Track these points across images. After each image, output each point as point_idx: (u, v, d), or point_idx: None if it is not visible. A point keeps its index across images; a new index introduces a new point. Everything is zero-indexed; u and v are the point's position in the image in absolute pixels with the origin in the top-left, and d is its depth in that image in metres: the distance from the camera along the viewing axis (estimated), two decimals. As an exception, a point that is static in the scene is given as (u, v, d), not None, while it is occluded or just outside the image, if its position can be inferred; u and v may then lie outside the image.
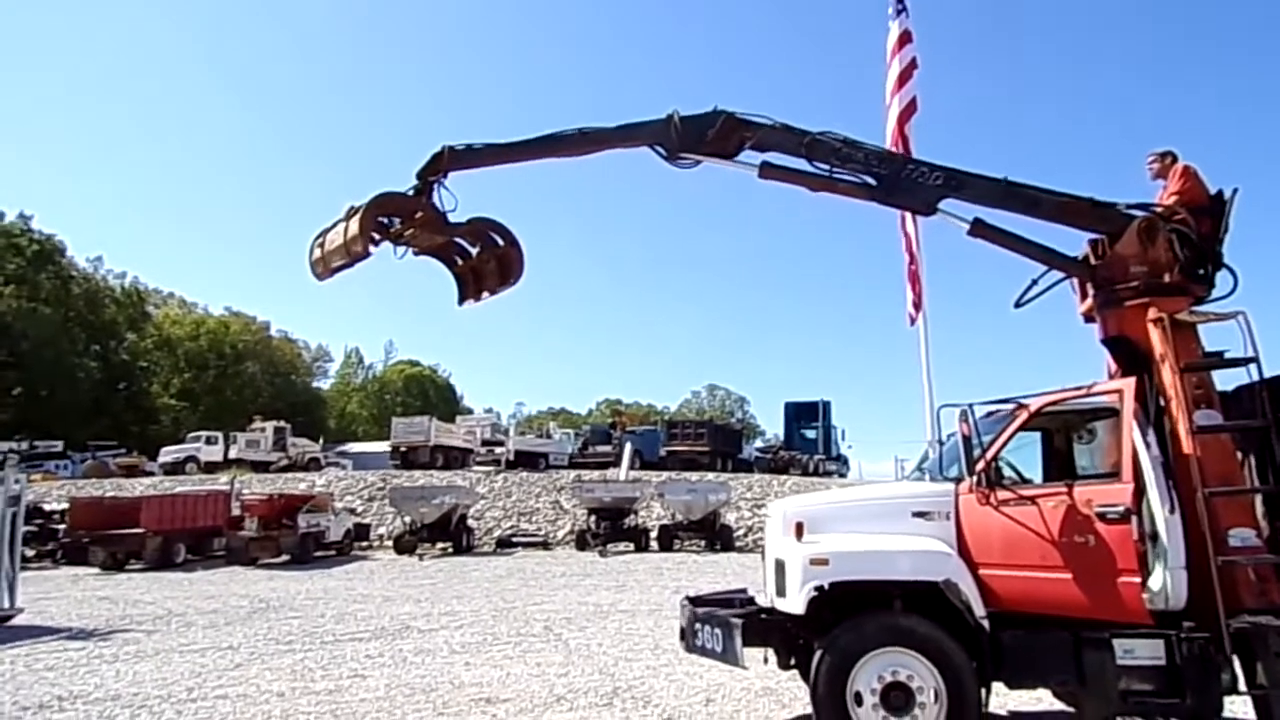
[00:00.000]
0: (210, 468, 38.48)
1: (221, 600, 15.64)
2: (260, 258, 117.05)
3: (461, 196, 7.24)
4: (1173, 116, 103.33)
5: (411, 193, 7.18)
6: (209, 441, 41.06)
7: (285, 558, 22.87)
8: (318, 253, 7.40)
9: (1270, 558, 5.35)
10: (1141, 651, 5.33)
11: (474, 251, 7.93)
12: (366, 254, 7.05)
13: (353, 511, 28.19)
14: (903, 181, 6.62)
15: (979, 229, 6.49)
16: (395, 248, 7.42)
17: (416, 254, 7.68)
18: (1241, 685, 5.37)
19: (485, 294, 8.00)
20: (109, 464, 40.87)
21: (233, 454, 39.82)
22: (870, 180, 6.71)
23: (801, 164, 6.77)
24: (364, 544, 26.82)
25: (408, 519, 25.49)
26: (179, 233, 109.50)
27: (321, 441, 47.54)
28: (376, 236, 7.12)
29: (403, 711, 7.41)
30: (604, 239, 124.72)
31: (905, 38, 14.28)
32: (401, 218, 7.29)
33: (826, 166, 6.70)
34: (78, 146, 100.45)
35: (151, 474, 38.66)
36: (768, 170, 6.84)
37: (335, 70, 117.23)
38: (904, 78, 14.13)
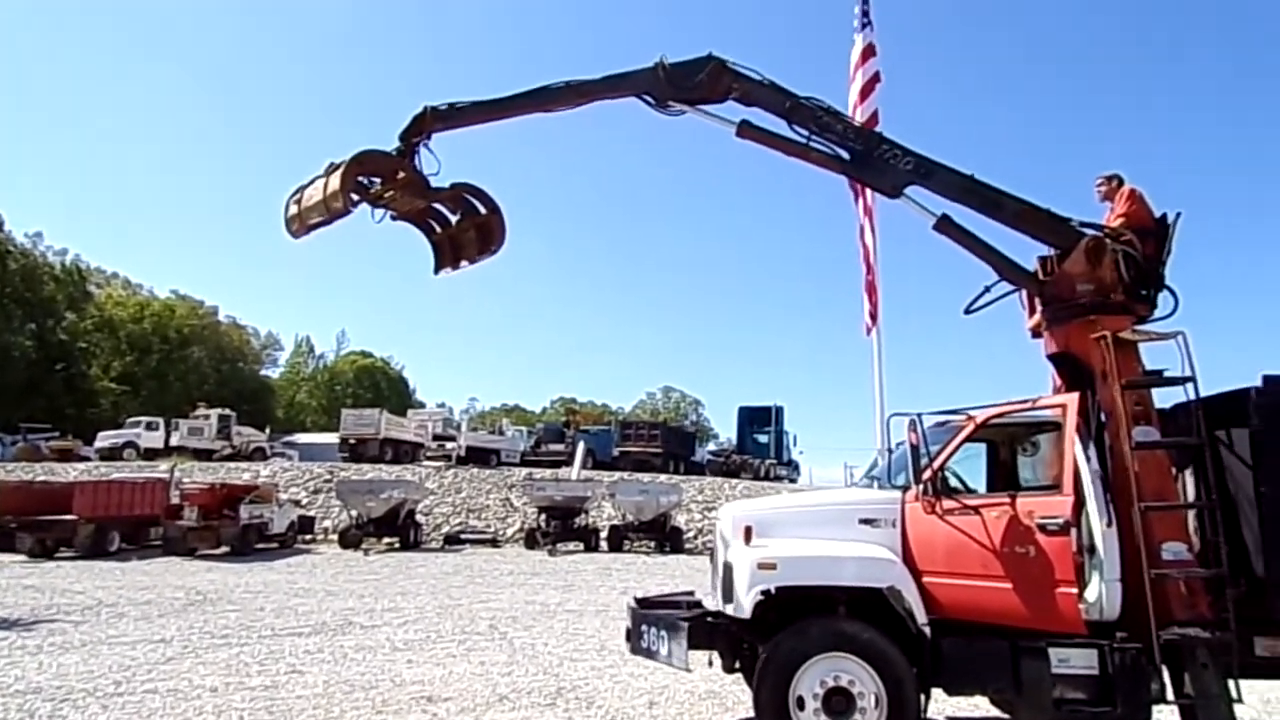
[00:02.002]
0: (150, 454, 37.33)
1: (156, 591, 15.21)
2: (210, 241, 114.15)
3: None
4: (1129, 130, 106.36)
5: (395, 154, 7.07)
6: (149, 427, 39.82)
7: (225, 549, 22.34)
8: (294, 209, 7.24)
9: (1200, 571, 5.52)
10: (1076, 661, 5.46)
11: (453, 219, 7.83)
12: (347, 211, 6.93)
13: (297, 503, 27.66)
14: (874, 160, 6.68)
15: (945, 225, 6.56)
16: (373, 210, 7.30)
17: (394, 218, 7.58)
18: (1169, 695, 5.52)
19: (464, 263, 7.91)
20: (41, 447, 39.38)
21: (174, 441, 38.68)
22: (844, 154, 6.77)
23: (779, 128, 6.79)
24: (308, 537, 26.33)
25: (354, 513, 25.11)
26: (125, 213, 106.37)
27: (268, 431, 46.44)
28: (355, 196, 7.00)
29: (341, 709, 7.28)
30: (564, 237, 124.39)
31: (869, 51, 14.42)
32: (383, 177, 7.19)
33: (805, 133, 6.74)
34: (16, 121, 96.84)
35: (87, 459, 37.41)
36: (746, 129, 6.84)
37: (285, 45, 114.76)
38: (866, 91, 14.27)
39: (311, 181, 7.14)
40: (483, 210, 7.76)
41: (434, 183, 7.26)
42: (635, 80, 6.97)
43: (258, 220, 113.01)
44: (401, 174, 7.12)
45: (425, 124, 6.98)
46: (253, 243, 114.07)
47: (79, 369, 58.32)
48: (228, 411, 41.62)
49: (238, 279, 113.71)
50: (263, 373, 78.32)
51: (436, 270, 8.03)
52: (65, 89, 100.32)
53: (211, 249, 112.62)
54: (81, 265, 65.79)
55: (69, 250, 65.43)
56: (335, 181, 6.80)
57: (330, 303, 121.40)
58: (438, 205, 7.73)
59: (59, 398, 54.20)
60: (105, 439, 39.12)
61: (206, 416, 40.31)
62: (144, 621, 11.89)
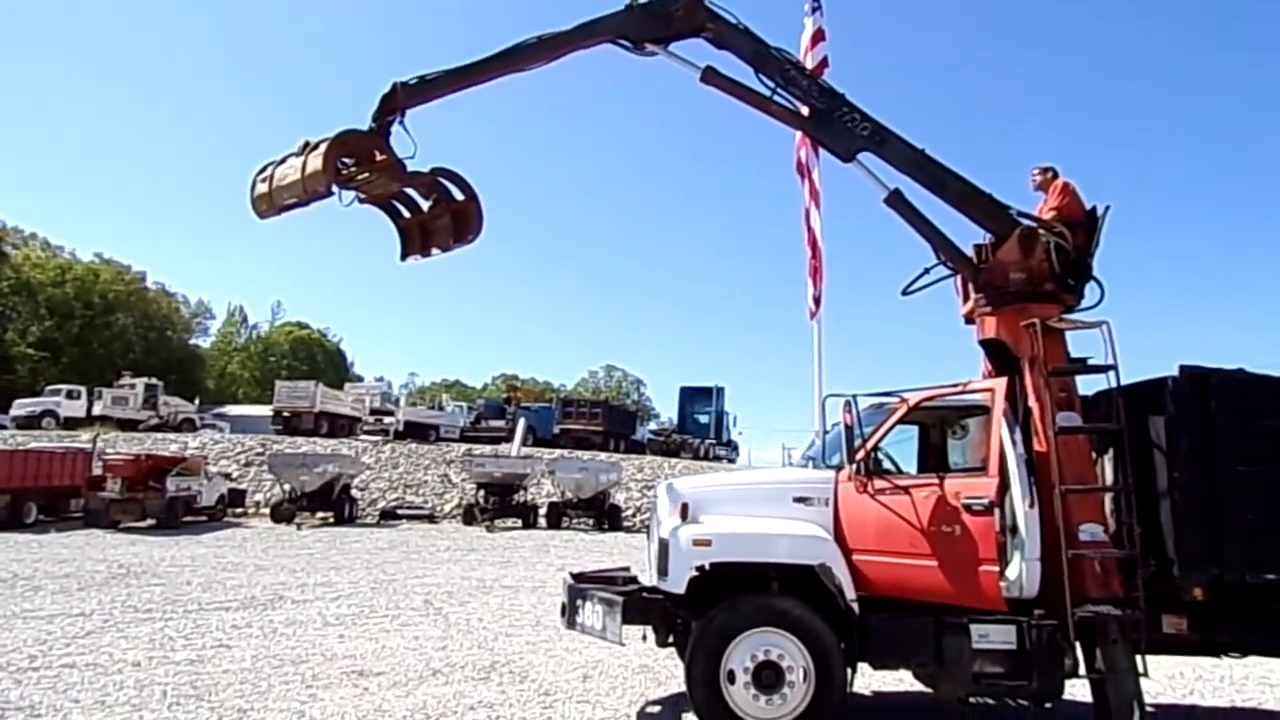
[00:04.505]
0: (70, 424, 35.92)
1: (75, 564, 14.69)
2: (139, 204, 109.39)
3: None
4: (1071, 116, 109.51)
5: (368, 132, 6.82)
6: (70, 396, 38.26)
7: (150, 522, 21.65)
8: (262, 188, 6.90)
9: (1114, 552, 5.75)
10: (995, 636, 5.66)
11: (425, 205, 7.59)
12: (329, 193, 6.68)
13: (228, 476, 26.98)
14: (834, 121, 6.70)
15: (896, 200, 6.60)
16: (342, 192, 7.01)
17: (362, 202, 7.30)
18: (1082, 670, 5.77)
19: (436, 250, 7.67)
20: (-49, 415, 37.62)
21: (97, 410, 37.22)
22: (804, 110, 6.81)
23: (742, 79, 6.79)
24: (238, 511, 25.71)
25: (287, 486, 24.60)
26: (46, 172, 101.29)
27: (198, 402, 45.01)
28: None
29: (269, 683, 7.15)
30: (508, 212, 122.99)
31: (819, 35, 14.47)
32: (360, 160, 6.92)
33: (770, 84, 6.74)
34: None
35: (2, 428, 35.87)
36: (711, 75, 6.80)
37: (209, 6, 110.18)
38: (815, 75, 14.35)
39: (284, 159, 6.81)
40: (459, 196, 7.51)
41: (410, 166, 7.01)
42: (609, 24, 6.85)
43: (189, 183, 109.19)
44: (380, 156, 6.87)
45: (397, 101, 6.73)
46: (184, 207, 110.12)
47: (-8, 333, 55.69)
48: (154, 381, 40.17)
49: (167, 244, 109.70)
50: (192, 342, 75.77)
51: (404, 257, 7.76)
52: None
53: (140, 212, 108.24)
54: (-3, 224, 62.61)
55: (-17, 208, 62.15)
56: (317, 162, 6.48)
57: (266, 271, 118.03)
58: (409, 190, 7.48)
59: (-29, 363, 51.69)
60: (22, 407, 37.50)
61: (132, 386, 38.85)
62: (62, 595, 11.48)
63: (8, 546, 17.05)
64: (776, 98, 6.77)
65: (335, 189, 6.81)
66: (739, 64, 6.88)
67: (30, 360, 55.82)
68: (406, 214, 7.68)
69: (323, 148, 6.55)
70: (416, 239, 7.71)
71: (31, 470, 21.69)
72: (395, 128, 6.88)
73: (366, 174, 7.00)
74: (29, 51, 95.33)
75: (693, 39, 6.92)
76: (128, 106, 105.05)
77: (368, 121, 6.83)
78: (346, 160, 6.91)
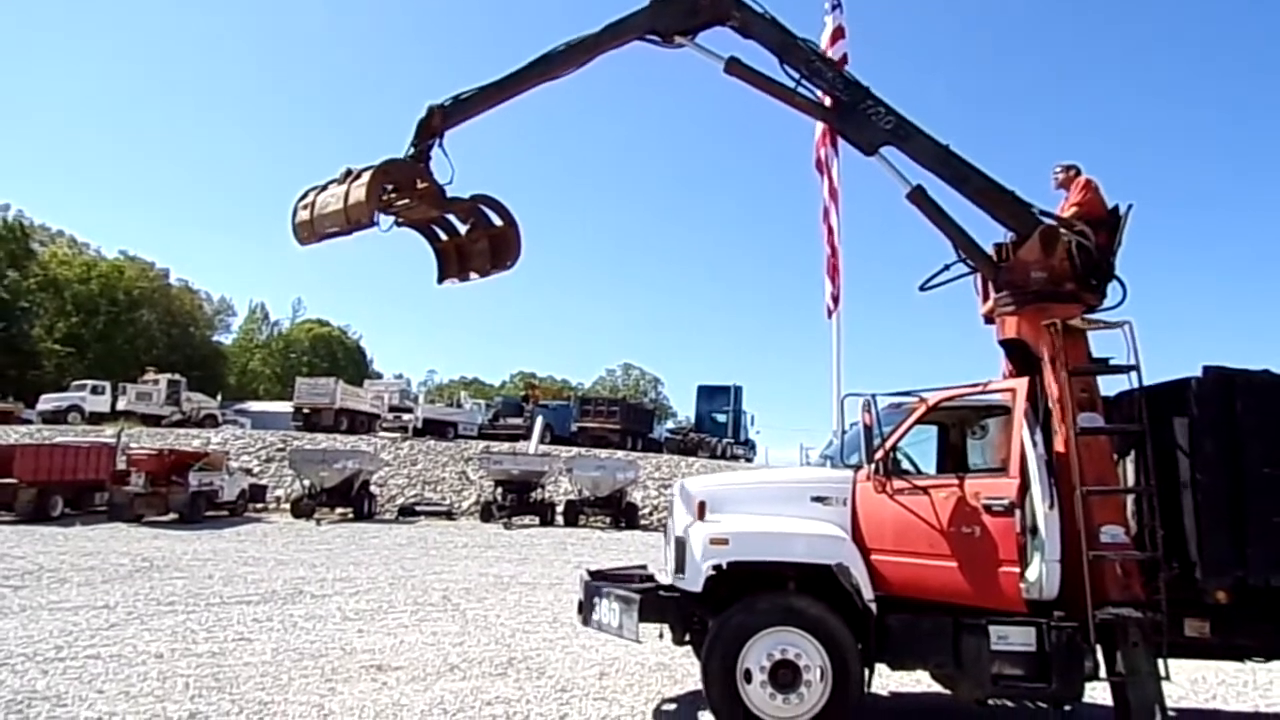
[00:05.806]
0: (95, 419, 36.46)
1: (100, 557, 14.90)
2: (162, 201, 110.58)
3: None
4: (1088, 117, 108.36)
5: (412, 161, 6.82)
6: (95, 391, 38.84)
7: (173, 516, 21.92)
8: (304, 215, 6.85)
9: (1135, 554, 5.70)
10: (1015, 638, 5.62)
11: (463, 229, 7.57)
12: (373, 224, 6.63)
13: (249, 472, 27.24)
14: (857, 114, 6.66)
15: (917, 196, 6.55)
16: (381, 217, 6.95)
17: (399, 224, 7.29)
18: (1102, 673, 5.71)
19: (473, 274, 7.64)
20: (-20, 409, 38.20)
21: (121, 405, 37.78)
22: (828, 102, 6.79)
23: (766, 70, 6.78)
24: (259, 506, 25.96)
25: (307, 482, 24.82)
26: (71, 170, 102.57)
27: (219, 398, 45.49)
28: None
29: (289, 676, 7.22)
30: (527, 212, 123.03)
31: (839, 33, 14.40)
32: (401, 187, 6.90)
33: (795, 76, 6.73)
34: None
35: (29, 422, 36.40)
36: (735, 66, 6.78)
37: (240, 10, 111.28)
38: (838, 67, 14.27)
39: (325, 186, 6.79)
40: (498, 222, 7.49)
41: (450, 191, 7.01)
42: (638, 20, 6.85)
43: (212, 181, 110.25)
44: (421, 184, 6.87)
45: (434, 124, 6.72)
46: (206, 205, 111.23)
47: (20, 329, 56.46)
48: (177, 377, 40.67)
49: (190, 242, 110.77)
50: (215, 338, 76.64)
51: (441, 279, 7.73)
52: (5, 41, 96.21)
53: (163, 210, 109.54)
54: (24, 222, 63.54)
55: (10, 206, 63.18)
56: (360, 192, 6.42)
57: (286, 269, 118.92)
58: (448, 215, 7.48)
59: (-1, 358, 52.47)
60: (48, 402, 38.11)
61: (155, 381, 39.38)
62: (87, 587, 11.65)
63: (34, 539, 17.31)
64: (800, 89, 6.75)
65: (377, 217, 6.77)
66: (762, 57, 6.86)
67: (56, 356, 56.62)
68: (444, 236, 7.66)
69: (365, 177, 6.49)
70: (454, 262, 7.68)
71: (57, 464, 22.01)
72: (434, 151, 6.86)
73: (407, 200, 6.98)
74: (58, 50, 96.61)
75: (718, 28, 6.91)
76: (154, 105, 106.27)
77: (405, 146, 6.81)
78: (387, 187, 6.87)
